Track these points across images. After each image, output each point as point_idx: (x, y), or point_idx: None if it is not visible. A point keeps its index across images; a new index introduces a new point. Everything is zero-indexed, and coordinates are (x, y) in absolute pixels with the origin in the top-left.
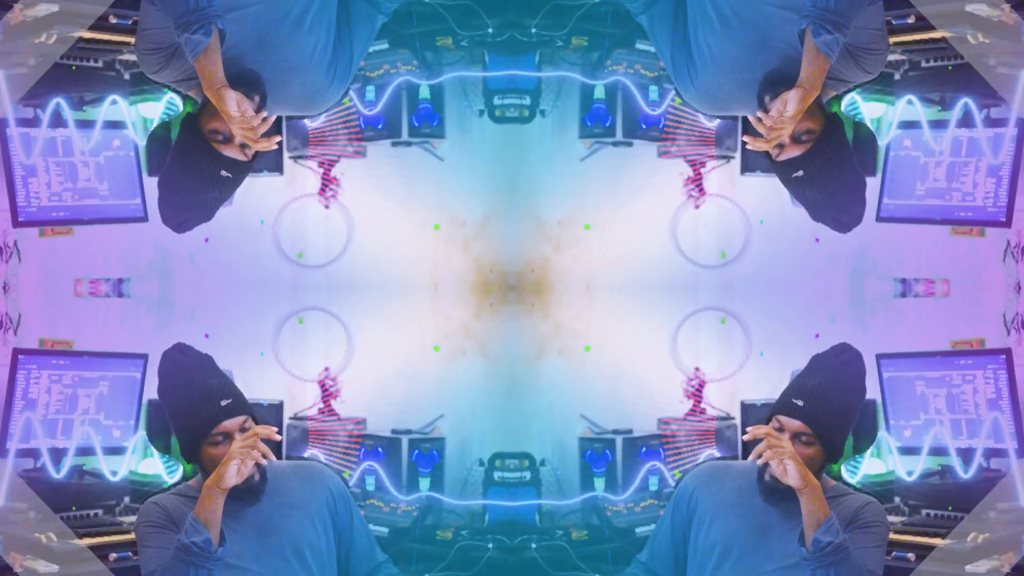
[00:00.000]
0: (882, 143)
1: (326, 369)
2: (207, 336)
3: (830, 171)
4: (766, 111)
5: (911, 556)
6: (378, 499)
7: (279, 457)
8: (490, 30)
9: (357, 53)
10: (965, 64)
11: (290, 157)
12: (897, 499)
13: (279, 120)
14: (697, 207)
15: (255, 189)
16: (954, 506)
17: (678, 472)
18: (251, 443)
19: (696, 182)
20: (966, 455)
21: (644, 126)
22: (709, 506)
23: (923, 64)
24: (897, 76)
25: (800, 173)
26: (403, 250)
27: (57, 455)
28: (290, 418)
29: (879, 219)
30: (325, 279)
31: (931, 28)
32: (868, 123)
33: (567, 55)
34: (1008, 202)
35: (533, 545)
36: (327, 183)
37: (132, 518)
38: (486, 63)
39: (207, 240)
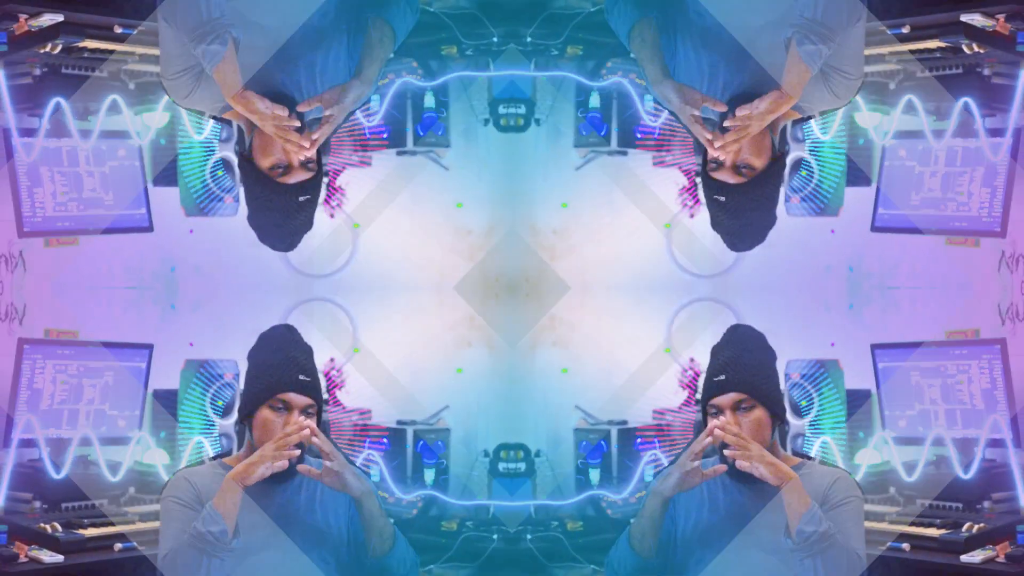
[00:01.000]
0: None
1: (331, 360)
2: (191, 344)
3: (750, 211)
4: (723, 128)
5: (906, 546)
6: (383, 490)
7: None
8: (495, 39)
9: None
10: (960, 74)
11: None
12: (892, 489)
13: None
14: (692, 216)
15: None
16: (949, 496)
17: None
18: (285, 447)
19: (691, 191)
20: (961, 445)
21: (639, 135)
22: (683, 499)
23: (918, 74)
24: (892, 86)
25: (723, 199)
26: (408, 258)
27: (62, 445)
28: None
29: (874, 229)
30: (330, 286)
31: (926, 38)
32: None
33: (562, 64)
34: (1003, 212)
35: (529, 536)
36: (332, 192)
37: (137, 508)
38: (491, 71)
39: (191, 232)
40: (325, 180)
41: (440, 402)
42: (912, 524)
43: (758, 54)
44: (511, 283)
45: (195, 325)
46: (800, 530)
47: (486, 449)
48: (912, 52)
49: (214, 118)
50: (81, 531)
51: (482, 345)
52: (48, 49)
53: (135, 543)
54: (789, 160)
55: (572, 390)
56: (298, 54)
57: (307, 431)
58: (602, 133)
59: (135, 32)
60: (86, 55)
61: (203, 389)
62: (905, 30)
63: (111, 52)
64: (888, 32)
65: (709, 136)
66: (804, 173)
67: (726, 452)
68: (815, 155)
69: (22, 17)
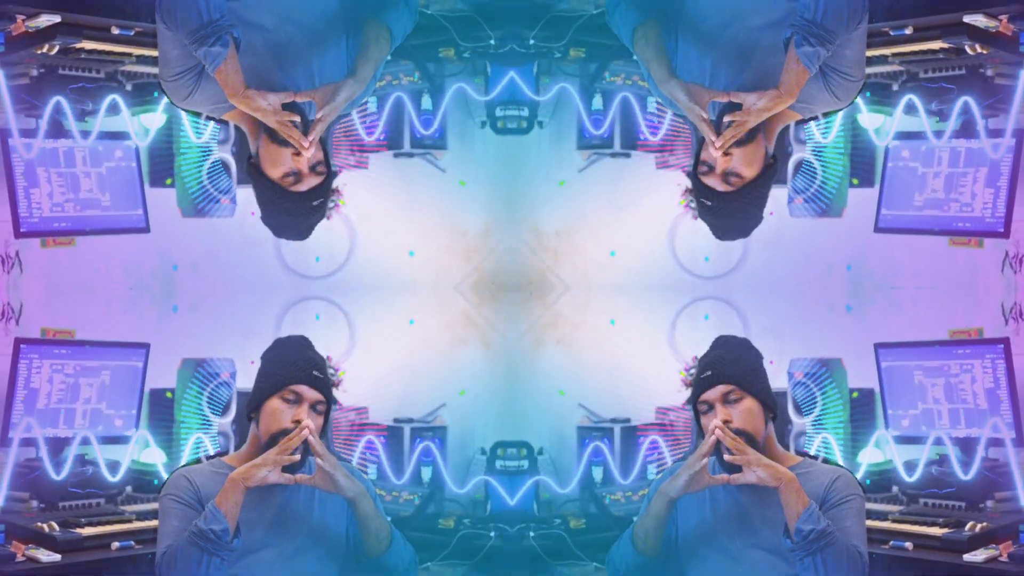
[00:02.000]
0: (879, 149)
1: (328, 358)
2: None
3: (736, 218)
4: (718, 133)
5: (909, 545)
6: (379, 488)
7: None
8: (492, 41)
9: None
10: (963, 75)
11: None
12: (895, 488)
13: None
14: (695, 218)
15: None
16: (952, 495)
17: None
18: (287, 451)
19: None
20: (964, 444)
21: (642, 137)
22: (684, 498)
23: (921, 75)
24: (895, 87)
25: (709, 204)
26: (405, 259)
27: (59, 445)
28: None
29: (877, 230)
30: (328, 286)
31: (929, 39)
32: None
33: (565, 66)
34: (1006, 213)
35: (531, 534)
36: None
37: (135, 507)
38: (488, 74)
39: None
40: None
41: (439, 400)
42: (915, 523)
43: (759, 55)
44: (509, 284)
45: (192, 326)
46: (799, 529)
47: (483, 447)
48: (915, 53)
49: (212, 119)
50: (78, 530)
51: (479, 343)
52: (45, 50)
53: (133, 542)
54: (792, 162)
55: (575, 388)
56: (296, 55)
57: (306, 431)
58: (605, 136)
59: (132, 33)
60: (83, 56)
61: (200, 388)
62: (908, 31)
63: (108, 53)
64: (891, 33)
65: (714, 137)
66: (807, 174)
67: (725, 457)
68: (818, 156)
69: (19, 18)
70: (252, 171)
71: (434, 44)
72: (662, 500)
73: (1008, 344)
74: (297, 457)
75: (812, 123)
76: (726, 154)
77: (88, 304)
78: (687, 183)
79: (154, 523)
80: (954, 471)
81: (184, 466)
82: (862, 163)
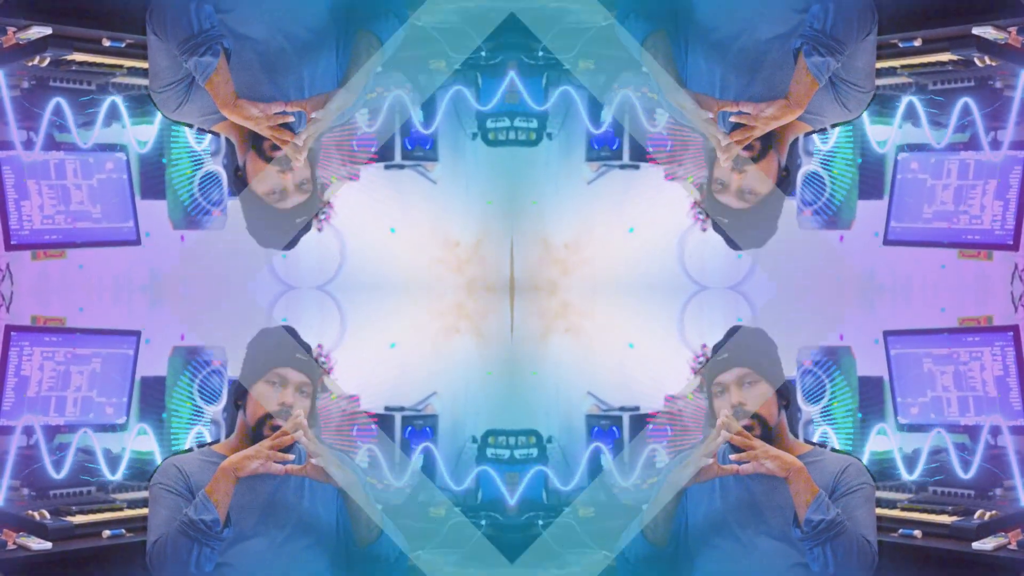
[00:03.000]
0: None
1: (319, 346)
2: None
3: (750, 232)
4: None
5: (918, 533)
6: (371, 476)
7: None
8: (483, 53)
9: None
10: (972, 87)
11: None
12: (904, 476)
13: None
14: (704, 229)
15: None
16: (960, 483)
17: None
18: (280, 446)
19: (703, 205)
20: (973, 433)
21: (651, 149)
22: (694, 488)
23: (930, 87)
24: (904, 98)
25: (725, 221)
26: (395, 270)
27: (50, 433)
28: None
29: (886, 242)
30: (320, 296)
31: (938, 51)
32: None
33: (574, 78)
34: (1016, 225)
35: (540, 522)
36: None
37: (126, 495)
38: (479, 85)
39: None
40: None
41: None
42: (923, 511)
43: (769, 66)
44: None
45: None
46: (808, 519)
47: (474, 435)
48: (924, 65)
49: (202, 130)
50: (69, 518)
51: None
52: (36, 62)
53: (124, 530)
54: (800, 174)
55: (584, 377)
56: (287, 66)
57: (300, 432)
58: (614, 147)
59: (123, 45)
60: (74, 68)
61: (191, 376)
62: (917, 43)
63: (99, 65)
64: (900, 45)
65: (721, 137)
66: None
67: (731, 457)
68: (826, 168)
69: (10, 30)
70: (239, 184)
71: (424, 56)
72: (670, 491)
73: (1018, 331)
74: (291, 456)
75: (815, 136)
76: (740, 172)
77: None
78: (697, 196)
79: (145, 511)
80: (963, 459)
81: (175, 455)
82: (871, 175)
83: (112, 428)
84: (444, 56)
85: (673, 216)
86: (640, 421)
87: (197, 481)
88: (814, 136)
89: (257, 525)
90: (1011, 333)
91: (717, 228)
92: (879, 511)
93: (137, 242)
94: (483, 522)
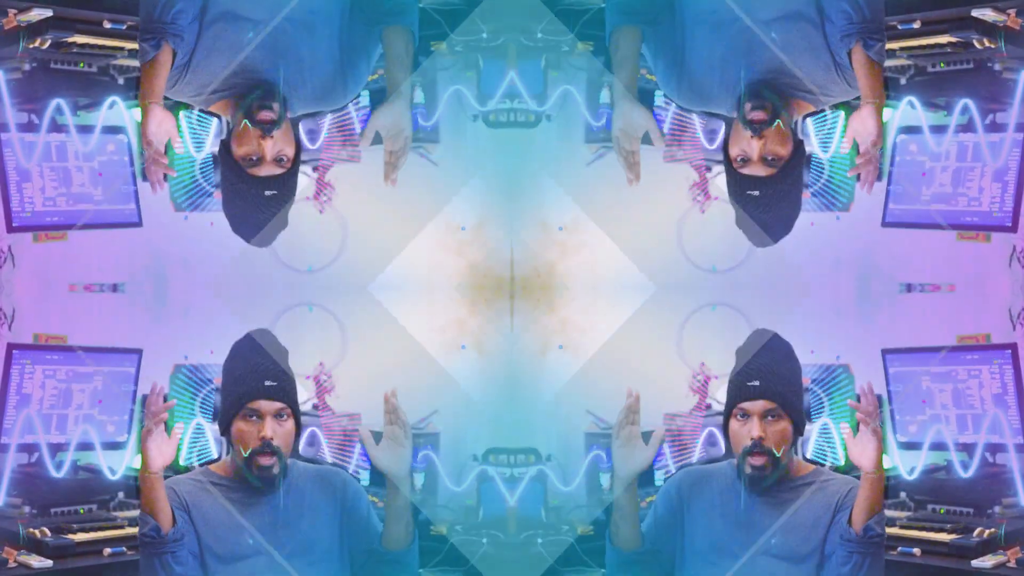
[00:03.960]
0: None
1: (320, 364)
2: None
3: (781, 202)
4: (744, 120)
5: (917, 551)
6: (373, 494)
7: (297, 456)
8: (484, 35)
9: (371, 50)
10: (971, 69)
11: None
12: (903, 494)
13: (296, 127)
14: (703, 212)
15: None
16: (960, 501)
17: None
18: (159, 413)
19: (702, 187)
20: (971, 450)
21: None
22: (695, 511)
23: (929, 69)
24: (903, 81)
25: (756, 193)
26: (397, 253)
27: (52, 451)
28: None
29: (884, 224)
30: (319, 282)
31: (937, 33)
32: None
33: (573, 60)
34: (1014, 207)
35: (539, 540)
36: (321, 187)
37: (127, 513)
38: (480, 68)
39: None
40: (314, 176)
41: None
42: (923, 529)
43: (770, 48)
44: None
45: (184, 326)
46: (870, 527)
47: (475, 453)
48: (923, 47)
49: (201, 111)
50: (70, 536)
51: (474, 348)
52: (37, 44)
53: (124, 548)
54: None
55: (583, 394)
56: (286, 48)
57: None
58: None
59: (124, 27)
60: (75, 50)
61: (192, 394)
62: (916, 25)
63: (100, 47)
64: (899, 27)
65: (632, 175)
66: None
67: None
68: (825, 150)
69: (11, 12)
70: (221, 149)
71: (425, 37)
72: (617, 487)
73: (1016, 349)
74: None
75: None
76: (760, 137)
77: (80, 306)
78: (695, 177)
79: None
80: (962, 477)
81: (176, 473)
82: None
83: (113, 446)
84: (445, 38)
85: (672, 197)
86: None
87: (192, 501)
88: (808, 121)
89: (256, 544)
90: (1009, 351)
91: (743, 218)
92: None
93: (139, 224)
94: (484, 540)
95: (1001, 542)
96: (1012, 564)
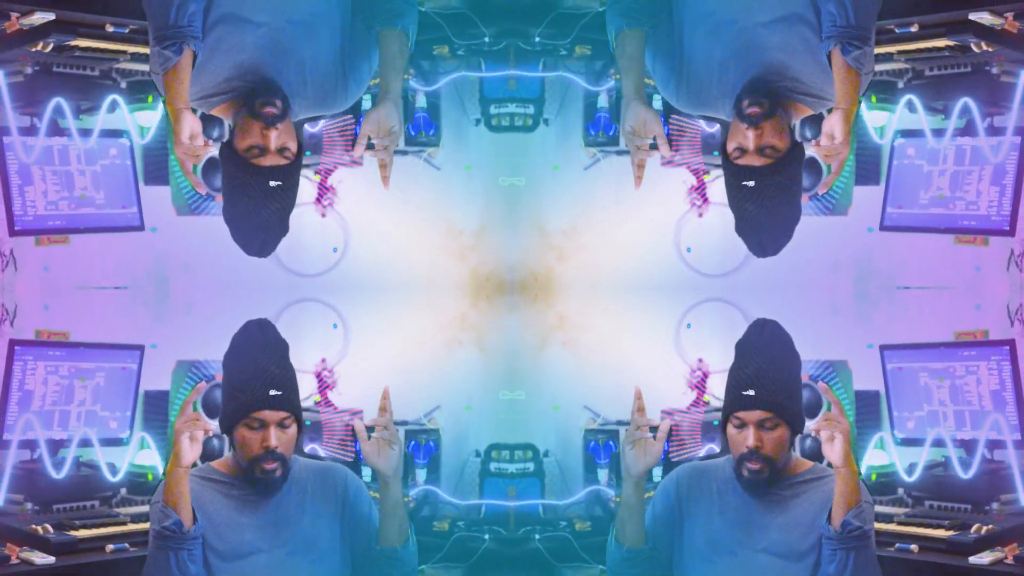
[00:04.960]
0: (884, 146)
1: (322, 360)
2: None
3: (778, 195)
4: (742, 115)
5: (914, 548)
6: (374, 490)
7: (299, 452)
8: (486, 39)
9: (373, 53)
10: (968, 72)
11: None
12: (900, 490)
13: (300, 131)
14: (701, 216)
15: None
16: (957, 497)
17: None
18: (195, 417)
19: (699, 191)
20: (969, 447)
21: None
22: (693, 508)
23: (926, 72)
24: (900, 84)
25: (751, 183)
26: (399, 258)
27: (54, 447)
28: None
29: (883, 228)
30: (322, 286)
31: (934, 36)
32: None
33: (571, 64)
34: (1012, 211)
35: (537, 536)
36: (324, 191)
37: (129, 509)
38: (483, 71)
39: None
40: (315, 173)
41: (432, 402)
42: (920, 525)
43: (770, 52)
44: (508, 286)
45: (186, 326)
46: (847, 521)
47: (477, 449)
48: (920, 51)
49: (204, 115)
50: (73, 532)
51: (475, 345)
52: (40, 48)
53: (127, 544)
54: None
55: (581, 390)
56: (288, 50)
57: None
58: (611, 133)
59: (127, 31)
60: (77, 54)
61: (196, 386)
62: (913, 29)
63: (103, 51)
64: (896, 31)
65: (639, 174)
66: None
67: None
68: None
69: (13, 15)
70: (223, 149)
71: (428, 41)
72: (628, 485)
73: (1014, 346)
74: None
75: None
76: (756, 128)
77: (83, 305)
78: (693, 181)
79: (147, 526)
80: (959, 473)
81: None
82: (867, 161)
83: (115, 442)
84: (447, 42)
85: (669, 202)
86: None
87: (195, 496)
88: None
89: (257, 540)
90: (1007, 347)
91: (742, 220)
92: (876, 526)
93: (141, 228)
94: (487, 536)
95: (999, 538)
96: (1010, 560)
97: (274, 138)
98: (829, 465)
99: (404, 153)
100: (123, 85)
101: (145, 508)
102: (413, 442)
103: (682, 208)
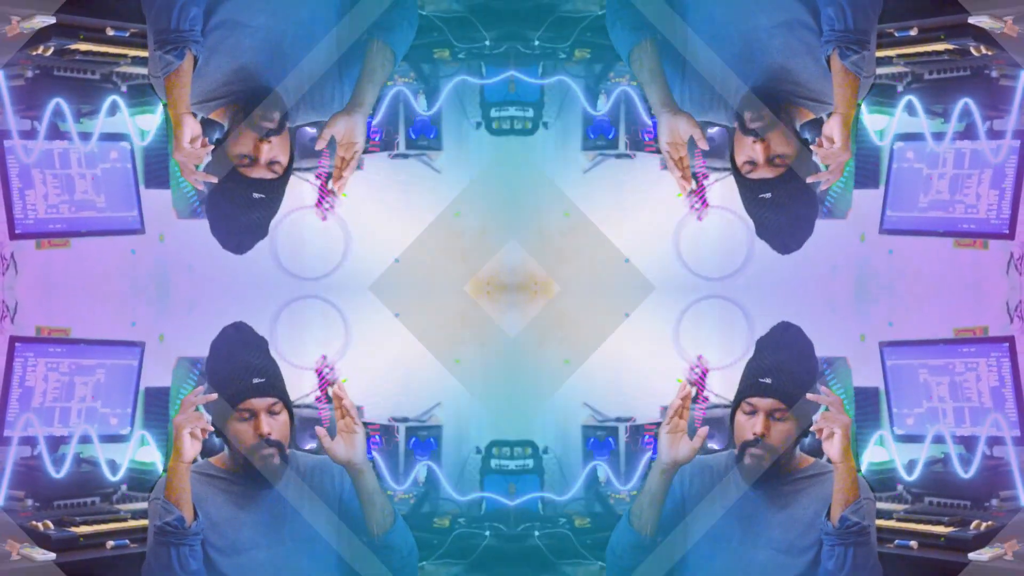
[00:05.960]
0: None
1: (323, 357)
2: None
3: (795, 200)
4: (744, 128)
5: (914, 544)
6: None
7: (296, 447)
8: (487, 43)
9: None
10: (968, 76)
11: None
12: (900, 487)
13: (293, 135)
14: (700, 219)
15: None
16: (957, 494)
17: None
18: (196, 414)
19: (699, 194)
20: (968, 443)
21: (647, 138)
22: (697, 502)
23: (926, 76)
24: (900, 88)
25: (768, 195)
26: (400, 257)
27: (54, 443)
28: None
29: (882, 231)
30: (323, 287)
31: (934, 40)
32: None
33: (570, 67)
34: (1011, 214)
35: (536, 533)
36: (324, 195)
37: (129, 506)
38: (483, 75)
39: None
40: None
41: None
42: (919, 522)
43: (772, 55)
44: (508, 289)
45: (187, 326)
46: (844, 517)
47: (478, 446)
48: (920, 54)
49: (203, 119)
50: (73, 529)
51: (477, 343)
52: (40, 51)
53: (127, 541)
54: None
55: (580, 387)
56: (286, 54)
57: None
58: (610, 136)
59: (127, 35)
60: (78, 57)
61: (195, 387)
62: (913, 32)
63: (103, 54)
64: (896, 34)
65: (680, 178)
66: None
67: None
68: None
69: (14, 19)
70: (214, 151)
71: (428, 45)
72: (655, 473)
73: (1013, 342)
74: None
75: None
76: (763, 141)
77: (83, 304)
78: (693, 185)
79: (147, 523)
80: (959, 470)
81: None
82: (867, 165)
83: (116, 439)
84: (448, 45)
85: (668, 206)
86: (636, 431)
87: (196, 492)
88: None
89: (256, 536)
90: (1006, 344)
91: (762, 225)
92: (876, 522)
93: (141, 231)
94: (487, 532)
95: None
96: (1009, 557)
97: (266, 151)
98: (829, 461)
99: (405, 156)
100: (124, 89)
101: (145, 505)
102: (414, 439)
103: (681, 211)
